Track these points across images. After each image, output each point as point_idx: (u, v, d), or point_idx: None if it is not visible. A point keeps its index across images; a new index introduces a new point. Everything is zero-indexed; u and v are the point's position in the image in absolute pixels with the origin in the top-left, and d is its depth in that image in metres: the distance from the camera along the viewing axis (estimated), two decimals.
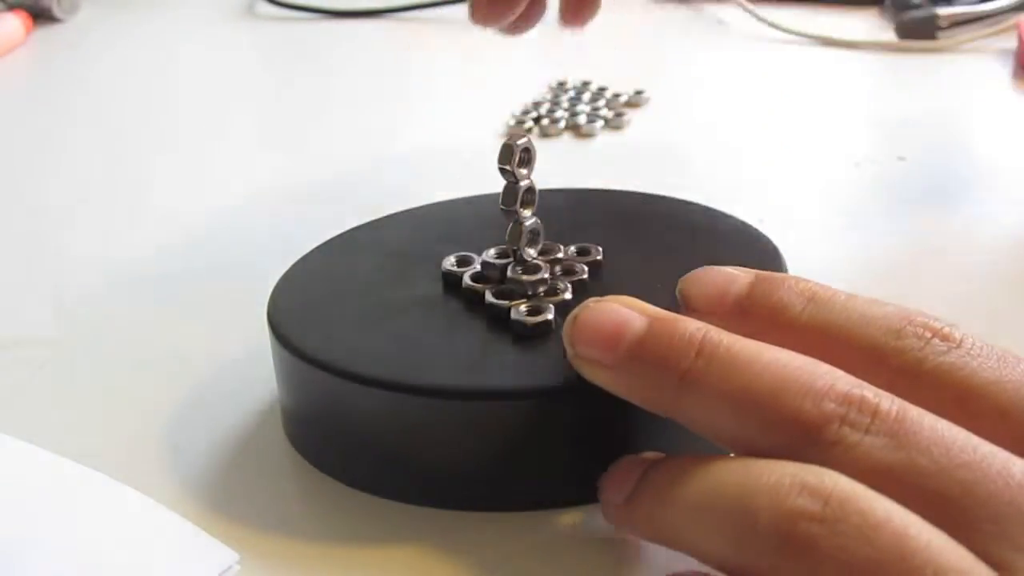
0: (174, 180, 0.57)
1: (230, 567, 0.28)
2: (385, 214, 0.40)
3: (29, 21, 0.85)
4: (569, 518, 0.30)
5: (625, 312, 0.26)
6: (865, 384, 0.24)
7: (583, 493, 0.30)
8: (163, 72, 0.78)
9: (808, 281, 0.27)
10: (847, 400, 0.23)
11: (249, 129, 0.66)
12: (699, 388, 0.24)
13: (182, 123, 0.67)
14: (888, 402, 0.23)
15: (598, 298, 0.27)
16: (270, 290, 0.35)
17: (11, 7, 0.86)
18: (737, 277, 0.28)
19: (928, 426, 0.23)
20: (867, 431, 0.23)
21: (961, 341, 0.25)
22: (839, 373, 0.24)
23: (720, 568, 0.23)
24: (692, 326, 0.25)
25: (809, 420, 0.23)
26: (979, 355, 0.24)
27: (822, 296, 0.26)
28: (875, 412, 0.23)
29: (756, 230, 0.36)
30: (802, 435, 0.23)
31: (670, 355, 0.25)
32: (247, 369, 0.37)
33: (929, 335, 0.25)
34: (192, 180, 0.57)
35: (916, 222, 0.46)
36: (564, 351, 0.30)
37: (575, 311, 0.27)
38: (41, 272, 0.48)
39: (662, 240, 0.36)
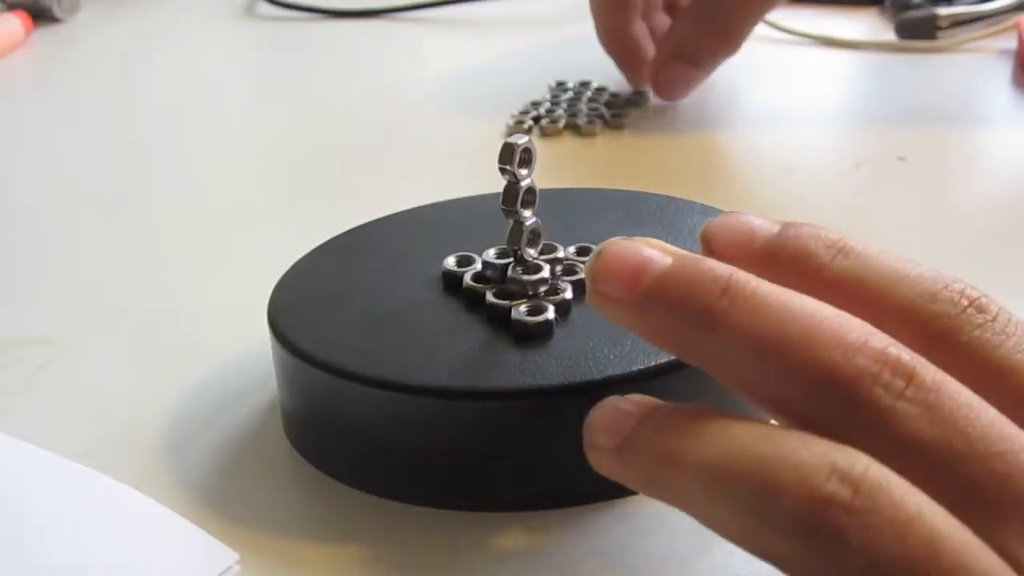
0: (174, 180, 0.57)
1: (230, 567, 0.28)
2: (385, 214, 0.40)
3: (29, 21, 0.84)
4: (570, 518, 0.30)
5: (649, 250, 0.24)
6: (901, 345, 0.22)
7: (584, 493, 0.30)
8: (163, 72, 0.78)
9: (838, 233, 0.25)
10: (882, 359, 0.21)
11: (249, 129, 0.66)
12: (723, 329, 0.23)
13: (182, 123, 0.67)
14: (925, 368, 0.21)
15: (625, 237, 0.25)
16: (270, 290, 0.35)
17: (11, 7, 0.85)
18: (764, 223, 0.26)
19: (965, 403, 0.21)
20: (900, 396, 0.21)
21: (997, 315, 0.23)
22: (873, 329, 0.22)
23: (727, 538, 0.22)
24: (718, 266, 0.23)
25: (840, 374, 0.21)
26: (1014, 333, 0.23)
27: (853, 248, 0.24)
28: (911, 377, 0.21)
29: None
30: (829, 390, 0.21)
31: (693, 292, 0.23)
32: (247, 369, 0.37)
33: (965, 303, 0.23)
34: (192, 180, 0.57)
35: (916, 222, 0.46)
36: (563, 352, 0.30)
37: (600, 246, 0.25)
38: (41, 272, 0.48)
39: (664, 240, 0.36)
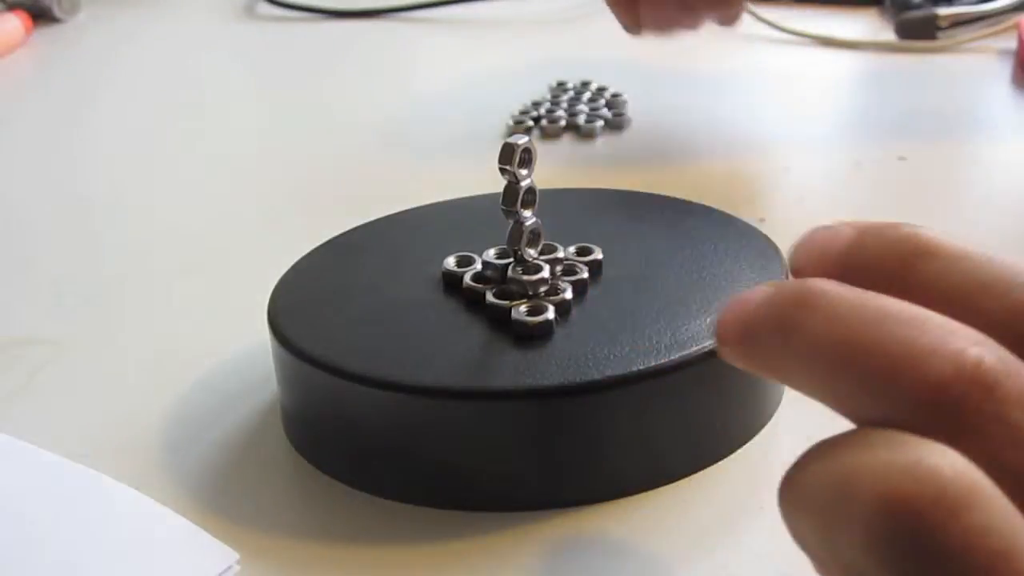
0: (174, 180, 0.57)
1: (230, 567, 0.28)
2: (385, 214, 0.40)
3: (29, 21, 0.85)
4: (570, 518, 0.30)
5: (750, 294, 0.23)
6: (984, 340, 0.20)
7: (583, 493, 0.30)
8: (163, 72, 0.78)
9: (910, 227, 0.24)
10: (959, 361, 0.19)
11: (249, 129, 0.66)
12: (797, 338, 0.21)
13: (182, 123, 0.67)
14: (1015, 370, 0.19)
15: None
16: (270, 290, 0.35)
17: (11, 7, 0.85)
18: (838, 232, 0.25)
19: None
20: (979, 409, 0.19)
21: None
22: (953, 324, 0.20)
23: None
24: (799, 281, 0.22)
25: (912, 385, 0.19)
26: None
27: (928, 249, 0.23)
28: (994, 384, 0.19)
29: (756, 230, 0.36)
30: (903, 403, 0.20)
31: (772, 312, 0.22)
32: (247, 369, 0.37)
33: None
34: (192, 180, 0.57)
35: (916, 222, 0.46)
36: (563, 351, 0.30)
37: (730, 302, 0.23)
38: (41, 272, 0.48)
39: (662, 240, 0.36)
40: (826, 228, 0.25)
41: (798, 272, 0.25)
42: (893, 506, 0.18)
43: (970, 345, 0.20)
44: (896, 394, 0.20)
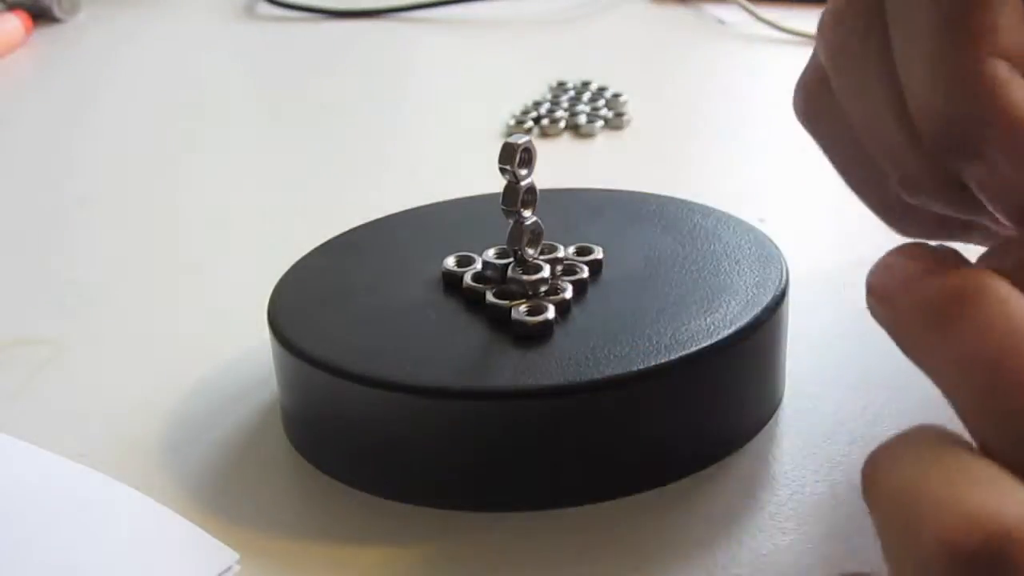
0: (174, 180, 0.57)
1: (230, 567, 0.28)
2: (385, 214, 0.40)
3: (29, 21, 0.85)
4: (570, 518, 0.30)
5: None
6: None
7: (584, 493, 0.30)
8: (163, 72, 0.78)
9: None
10: None
11: (249, 129, 0.66)
12: (953, 332, 0.20)
13: (182, 123, 0.67)
14: None
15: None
16: (270, 290, 0.35)
17: (11, 7, 0.85)
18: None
19: None
20: None
21: None
22: None
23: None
24: (966, 269, 0.21)
25: None
26: None
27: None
28: None
29: (757, 230, 0.36)
30: None
31: (931, 289, 0.20)
32: (247, 369, 0.37)
33: None
34: (192, 180, 0.57)
35: None
36: (563, 352, 0.30)
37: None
38: (41, 272, 0.48)
39: (662, 240, 0.36)
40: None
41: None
42: (952, 554, 0.17)
43: None
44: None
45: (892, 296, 0.21)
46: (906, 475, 0.19)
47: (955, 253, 0.22)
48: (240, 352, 0.38)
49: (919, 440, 0.20)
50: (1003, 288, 0.20)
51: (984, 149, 0.23)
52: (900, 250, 0.22)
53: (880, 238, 0.45)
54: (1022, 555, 0.17)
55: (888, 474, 0.20)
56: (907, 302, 0.21)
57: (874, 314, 0.22)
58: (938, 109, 0.23)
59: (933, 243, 0.22)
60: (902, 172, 0.25)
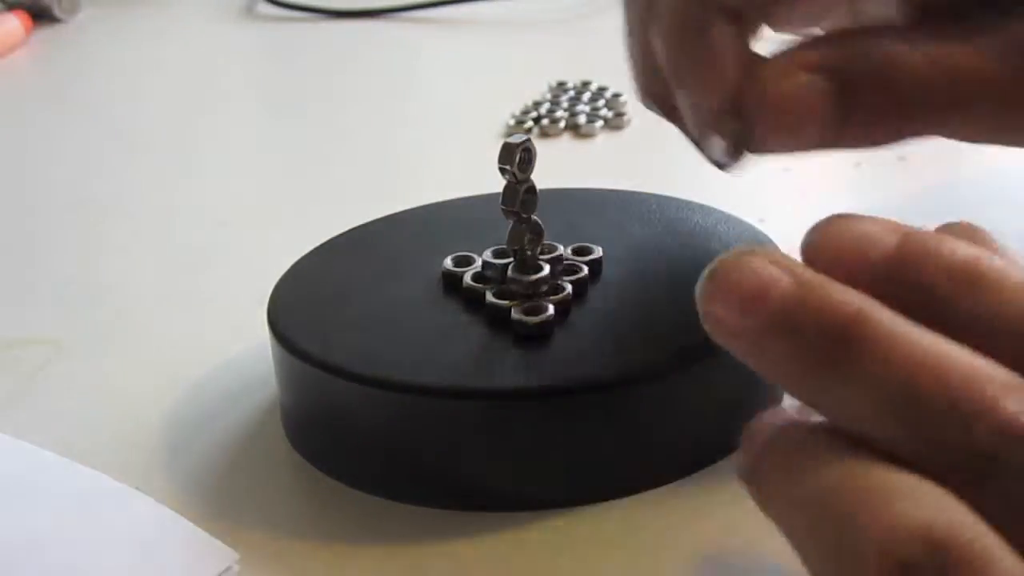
0: (174, 179, 0.57)
1: (229, 567, 0.28)
2: (385, 214, 0.40)
3: (29, 21, 0.84)
4: (570, 518, 0.30)
5: (770, 271, 0.21)
6: None
7: (584, 494, 0.30)
8: (163, 72, 0.78)
9: (969, 252, 0.22)
10: (1007, 429, 0.19)
11: (249, 129, 0.66)
12: (842, 376, 0.20)
13: (182, 123, 0.67)
14: None
15: (743, 249, 0.22)
16: (270, 290, 0.35)
17: (11, 7, 0.85)
18: (881, 236, 0.22)
19: None
20: (1020, 477, 0.18)
21: None
22: (1013, 384, 0.19)
23: None
24: (847, 296, 0.20)
25: (954, 446, 0.19)
26: None
27: (988, 281, 0.21)
28: None
29: (757, 230, 0.36)
30: (942, 459, 0.19)
31: (817, 330, 0.20)
32: (247, 369, 0.37)
33: None
34: (192, 179, 0.57)
35: (916, 222, 0.46)
36: (564, 352, 0.30)
37: (713, 263, 0.22)
38: (41, 272, 0.48)
39: (662, 240, 0.36)
40: (856, 225, 0.23)
41: (820, 270, 0.22)
42: (896, 564, 0.18)
43: (1022, 408, 0.19)
44: (936, 447, 0.19)
45: (759, 340, 0.21)
46: (819, 486, 0.19)
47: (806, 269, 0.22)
48: (240, 352, 0.38)
49: (808, 445, 0.21)
50: (880, 313, 0.20)
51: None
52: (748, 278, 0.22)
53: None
54: (963, 559, 0.18)
55: (793, 487, 0.20)
56: (783, 348, 0.21)
57: (734, 348, 0.22)
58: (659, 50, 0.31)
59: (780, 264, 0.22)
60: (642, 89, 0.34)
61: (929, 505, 0.18)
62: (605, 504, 0.30)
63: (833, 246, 0.23)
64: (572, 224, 0.36)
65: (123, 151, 0.62)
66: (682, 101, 0.31)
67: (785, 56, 0.29)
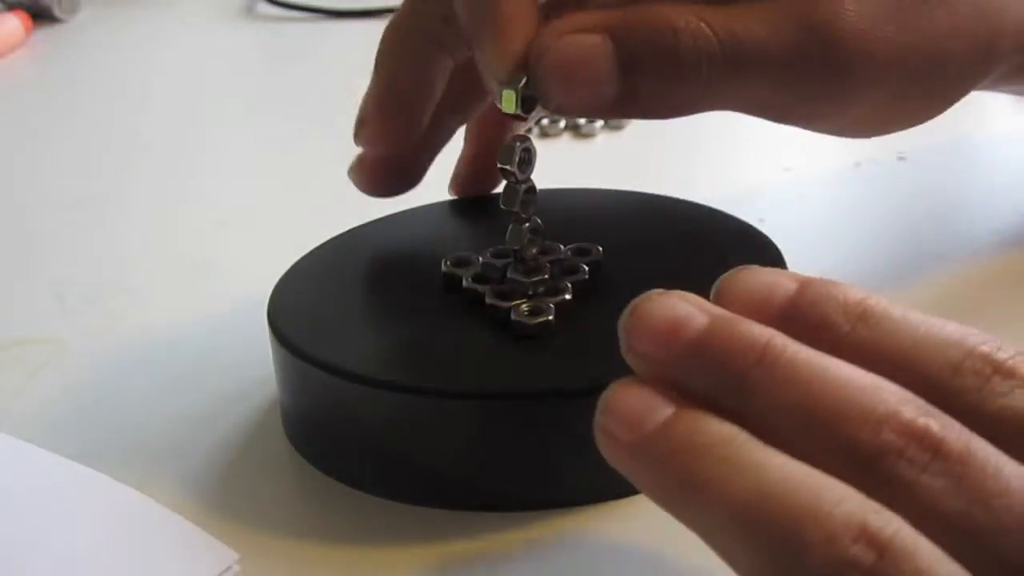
0: (174, 179, 0.57)
1: (229, 567, 0.28)
2: (385, 214, 0.40)
3: (29, 21, 0.85)
4: (571, 518, 0.30)
5: (686, 308, 0.24)
6: (933, 411, 0.21)
7: (584, 494, 0.30)
8: (163, 72, 0.78)
9: (861, 293, 0.24)
10: (909, 431, 0.21)
11: (248, 129, 0.66)
12: (757, 395, 0.22)
13: (182, 123, 0.67)
14: (955, 436, 0.21)
15: (661, 291, 0.25)
16: (270, 290, 0.35)
17: (11, 7, 0.85)
18: (782, 283, 0.25)
19: (993, 472, 0.20)
20: (925, 469, 0.21)
21: None
22: (907, 396, 0.22)
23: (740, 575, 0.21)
24: (756, 329, 0.23)
25: (863, 450, 0.21)
26: None
27: (873, 314, 0.24)
28: (937, 448, 0.21)
29: (757, 230, 0.36)
30: (854, 464, 0.21)
31: (730, 357, 0.23)
32: (247, 369, 0.37)
33: (990, 371, 0.22)
34: (191, 179, 0.57)
35: (916, 222, 0.46)
36: (564, 352, 0.30)
37: (634, 302, 0.24)
38: (41, 272, 0.48)
39: (662, 240, 0.36)
40: (762, 275, 0.25)
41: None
42: (833, 570, 0.19)
43: (918, 416, 0.21)
44: (848, 452, 0.21)
45: (678, 369, 0.23)
46: (743, 487, 0.21)
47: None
48: (240, 352, 0.38)
49: (713, 444, 0.22)
50: (786, 340, 0.23)
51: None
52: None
53: (879, 238, 0.45)
54: (890, 549, 0.19)
55: (713, 491, 0.21)
56: (700, 376, 0.23)
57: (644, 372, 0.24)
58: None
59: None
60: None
61: (856, 504, 0.20)
62: (606, 504, 0.30)
63: (741, 293, 0.25)
64: (572, 224, 0.36)
65: (123, 151, 0.62)
66: (478, 58, 0.32)
67: (569, 18, 0.31)
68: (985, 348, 0.23)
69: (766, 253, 0.35)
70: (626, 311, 0.24)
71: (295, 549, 0.30)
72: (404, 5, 0.38)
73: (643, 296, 0.24)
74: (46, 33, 0.86)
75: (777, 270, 0.25)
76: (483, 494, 0.30)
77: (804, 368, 0.22)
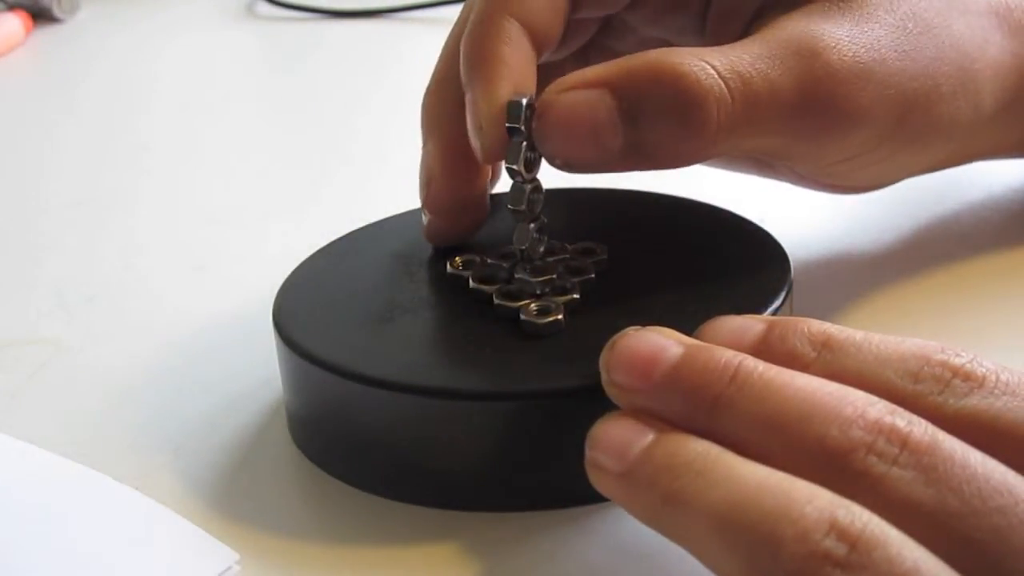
0: (174, 180, 0.57)
1: (229, 567, 0.28)
2: (389, 215, 0.40)
3: (29, 21, 0.84)
4: (574, 519, 0.30)
5: (662, 340, 0.26)
6: (899, 410, 0.23)
7: (591, 493, 0.30)
8: (163, 72, 0.78)
9: (824, 325, 0.26)
10: (876, 428, 0.22)
11: (250, 129, 0.66)
12: (731, 413, 0.24)
13: (181, 123, 0.67)
14: (921, 430, 0.22)
15: (637, 327, 0.26)
16: (274, 291, 0.35)
17: (11, 7, 0.85)
18: (751, 325, 0.27)
19: (960, 461, 0.22)
20: (895, 462, 0.22)
21: (984, 378, 0.23)
22: (873, 399, 0.23)
23: None
24: (728, 354, 0.25)
25: (834, 447, 0.22)
26: (1005, 391, 0.23)
27: (836, 341, 0.25)
28: (905, 442, 0.22)
29: (758, 227, 0.36)
30: (826, 462, 0.22)
31: (705, 380, 0.24)
32: (252, 370, 0.37)
33: (949, 375, 0.24)
34: (193, 180, 0.57)
35: (916, 221, 0.46)
36: (573, 352, 0.30)
37: (613, 339, 0.26)
38: (41, 272, 0.48)
39: (666, 238, 0.36)
40: (734, 321, 0.27)
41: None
42: (808, 563, 0.20)
43: (884, 414, 0.23)
44: (820, 453, 0.22)
45: (657, 395, 0.25)
46: (719, 497, 0.22)
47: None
48: (243, 353, 0.38)
49: (691, 460, 0.23)
50: (756, 361, 0.24)
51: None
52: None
53: (879, 237, 0.45)
54: (861, 541, 0.20)
55: (692, 503, 0.23)
56: (677, 400, 0.25)
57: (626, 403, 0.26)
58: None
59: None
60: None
61: (827, 501, 0.21)
62: (610, 504, 0.30)
63: (715, 335, 0.27)
64: (574, 224, 0.36)
65: (123, 151, 0.62)
66: (468, 104, 0.32)
67: (571, 75, 0.31)
68: (943, 356, 0.24)
69: (769, 251, 0.35)
70: (606, 347, 0.26)
71: (296, 549, 0.29)
72: (436, 73, 0.39)
73: (621, 332, 0.26)
74: (46, 33, 0.86)
75: (749, 316, 0.27)
76: (490, 495, 0.30)
77: (775, 382, 0.24)
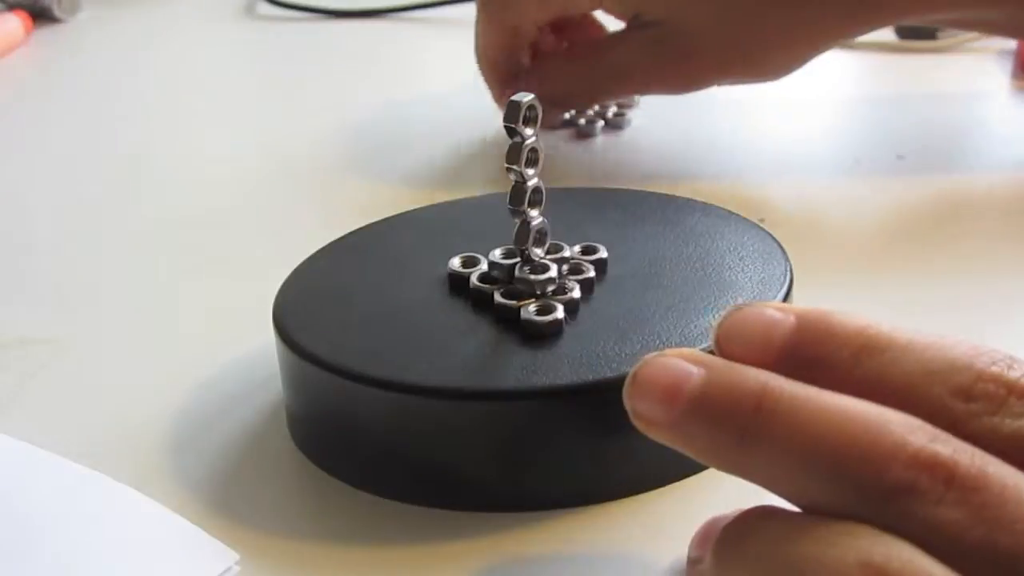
0: (175, 179, 0.57)
1: (229, 567, 0.28)
2: (389, 215, 0.40)
3: (29, 21, 0.84)
4: (575, 518, 0.30)
5: (682, 365, 0.24)
6: (942, 436, 0.21)
7: (592, 493, 0.30)
8: (163, 72, 0.78)
9: (860, 321, 0.24)
10: (918, 463, 0.21)
11: (250, 129, 0.66)
12: (760, 445, 0.22)
13: (182, 123, 0.67)
14: (968, 461, 0.21)
15: (657, 353, 0.25)
16: (275, 291, 0.35)
17: (11, 7, 0.85)
18: (779, 321, 0.24)
19: (1013, 496, 0.20)
20: (940, 501, 0.20)
21: None
22: (914, 423, 0.21)
23: None
24: (751, 375, 0.23)
25: (872, 491, 0.21)
26: None
27: (876, 344, 0.23)
28: (951, 477, 0.20)
29: (758, 227, 0.36)
30: (866, 504, 0.21)
31: (730, 410, 0.23)
32: (252, 370, 0.37)
33: (1004, 392, 0.22)
34: (193, 180, 0.57)
35: (914, 220, 0.46)
36: (573, 352, 0.30)
37: (634, 369, 0.25)
38: (41, 272, 0.48)
39: (665, 238, 0.36)
40: (755, 315, 0.25)
41: (732, 356, 0.25)
42: None
43: (926, 442, 0.21)
44: (858, 493, 0.21)
45: (682, 427, 0.24)
46: (770, 538, 0.22)
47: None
48: (244, 353, 0.38)
49: (757, 515, 0.23)
50: (783, 383, 0.23)
51: None
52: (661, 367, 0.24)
53: (878, 237, 0.45)
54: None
55: (760, 546, 0.22)
56: (704, 431, 0.23)
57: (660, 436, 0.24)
58: None
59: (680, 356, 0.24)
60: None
61: (864, 540, 0.20)
62: (611, 503, 0.30)
63: (739, 339, 0.25)
64: (575, 223, 0.36)
65: (123, 151, 0.62)
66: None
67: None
68: (996, 368, 0.22)
69: (769, 250, 0.35)
70: (628, 378, 0.25)
71: (296, 549, 0.29)
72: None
73: (640, 362, 0.25)
74: (46, 33, 0.86)
75: (770, 305, 0.25)
76: (490, 495, 0.30)
77: (803, 411, 0.22)
